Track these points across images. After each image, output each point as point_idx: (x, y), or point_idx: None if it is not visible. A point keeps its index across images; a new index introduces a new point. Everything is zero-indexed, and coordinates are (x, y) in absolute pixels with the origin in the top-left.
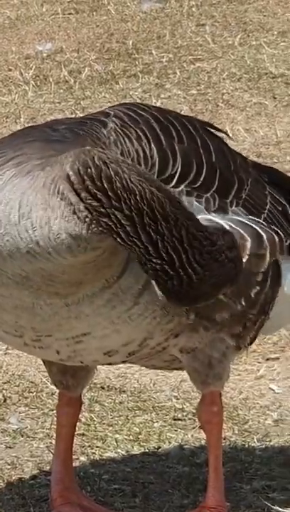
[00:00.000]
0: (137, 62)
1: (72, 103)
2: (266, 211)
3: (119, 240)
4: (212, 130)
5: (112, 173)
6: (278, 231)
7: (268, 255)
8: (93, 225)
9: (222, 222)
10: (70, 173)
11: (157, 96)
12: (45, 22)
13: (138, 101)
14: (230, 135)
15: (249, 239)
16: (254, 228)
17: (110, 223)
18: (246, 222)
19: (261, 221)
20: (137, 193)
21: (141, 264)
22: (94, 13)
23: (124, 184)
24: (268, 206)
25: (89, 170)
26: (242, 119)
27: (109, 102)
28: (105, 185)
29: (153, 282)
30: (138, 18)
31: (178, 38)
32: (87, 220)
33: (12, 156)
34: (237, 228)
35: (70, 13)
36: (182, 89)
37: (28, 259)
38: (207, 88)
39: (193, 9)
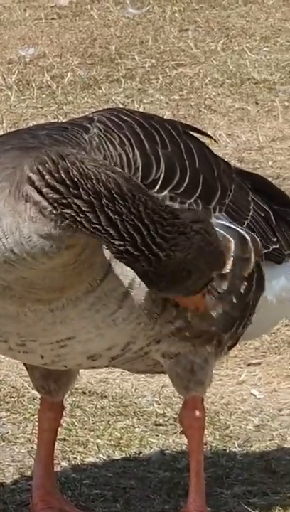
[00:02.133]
0: (120, 68)
1: (54, 108)
2: (249, 217)
3: (83, 229)
4: (196, 135)
5: (68, 163)
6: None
7: (253, 258)
8: (59, 221)
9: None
10: (30, 173)
11: (139, 101)
12: (28, 27)
13: (121, 106)
14: (214, 138)
15: (232, 240)
16: (238, 231)
17: (73, 214)
18: (230, 225)
19: (243, 227)
20: (93, 177)
21: (109, 250)
22: (77, 18)
23: (80, 171)
24: (251, 213)
25: (46, 165)
26: (225, 124)
27: (92, 107)
28: (63, 175)
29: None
30: (121, 24)
31: (161, 44)
32: (52, 216)
33: None
34: (221, 231)
35: (52, 18)
36: (164, 95)
37: (6, 269)
38: (189, 93)
39: (176, 14)
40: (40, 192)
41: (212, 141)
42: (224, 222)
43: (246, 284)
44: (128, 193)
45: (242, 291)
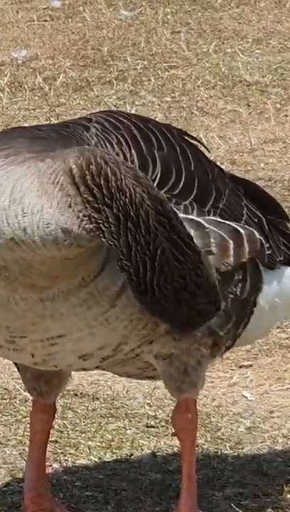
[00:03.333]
0: (112, 69)
1: (46, 110)
2: (242, 222)
3: (102, 237)
4: (188, 139)
5: (110, 172)
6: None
7: (247, 253)
8: (84, 222)
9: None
10: (73, 166)
11: (132, 103)
12: (20, 29)
13: (113, 108)
14: (204, 143)
15: (230, 240)
16: (233, 226)
17: (99, 220)
18: (224, 221)
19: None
20: (128, 195)
21: (117, 260)
22: (70, 20)
23: (118, 184)
24: (244, 218)
25: (91, 166)
26: (217, 127)
27: (84, 108)
28: (102, 182)
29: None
30: (113, 26)
31: (153, 45)
32: (80, 214)
33: None
34: (218, 231)
35: (45, 20)
36: (156, 97)
37: (10, 246)
38: (181, 95)
39: (168, 16)
40: (77, 188)
41: (203, 146)
42: (217, 219)
43: (242, 279)
44: (153, 230)
45: (239, 287)
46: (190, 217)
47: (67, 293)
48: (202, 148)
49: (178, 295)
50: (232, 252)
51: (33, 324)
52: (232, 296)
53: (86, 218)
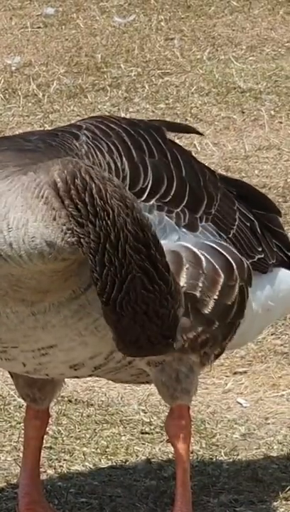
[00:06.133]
0: (106, 76)
1: (40, 116)
2: (235, 227)
3: (82, 251)
4: (183, 141)
5: (95, 189)
6: (247, 252)
7: (237, 285)
8: (68, 235)
9: (194, 249)
10: (58, 179)
11: (126, 110)
12: (14, 35)
13: (107, 115)
14: (198, 150)
15: (221, 274)
16: (226, 257)
17: (81, 235)
18: (218, 248)
19: (229, 245)
20: (111, 217)
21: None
22: (63, 26)
23: (102, 203)
24: (237, 222)
25: (76, 180)
26: (211, 133)
27: (78, 115)
28: (87, 198)
29: None
30: (107, 32)
31: (147, 52)
32: (63, 227)
33: None
34: (210, 259)
35: (38, 27)
36: (150, 103)
37: None
38: (175, 102)
39: (162, 23)
40: (62, 201)
41: (195, 148)
42: (212, 244)
43: (230, 307)
44: (128, 254)
45: (225, 314)
46: (184, 244)
47: (59, 306)
48: (196, 150)
49: (136, 315)
50: (220, 286)
51: (25, 336)
52: (217, 320)
53: (69, 232)
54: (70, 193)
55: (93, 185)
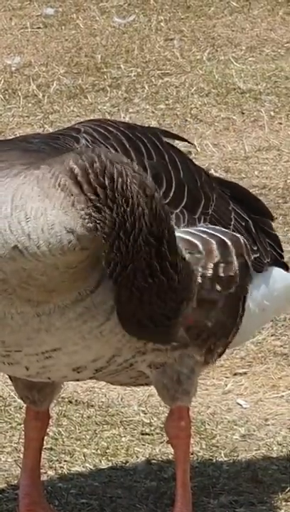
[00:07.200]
0: (106, 77)
1: (40, 117)
2: (231, 227)
3: (98, 235)
4: (178, 140)
5: (116, 172)
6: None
7: (235, 261)
8: (87, 220)
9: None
10: (74, 166)
11: (125, 110)
12: (14, 36)
13: (107, 115)
14: (198, 150)
15: (216, 250)
16: (219, 237)
17: (98, 220)
18: (210, 231)
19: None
20: (130, 204)
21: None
22: (63, 27)
23: (123, 188)
24: (233, 222)
25: (95, 164)
26: (210, 134)
27: (78, 116)
28: (106, 182)
29: None
30: (106, 33)
31: (147, 53)
32: (82, 213)
33: None
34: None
35: (38, 27)
36: (150, 104)
37: (12, 256)
38: (175, 103)
39: (162, 24)
40: (80, 186)
41: (195, 149)
42: (205, 229)
43: (232, 286)
44: (139, 246)
45: (228, 294)
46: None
47: (64, 307)
48: (196, 150)
49: (132, 296)
50: (216, 253)
51: (28, 338)
52: (221, 302)
53: (87, 217)
54: (89, 177)
55: (114, 170)
